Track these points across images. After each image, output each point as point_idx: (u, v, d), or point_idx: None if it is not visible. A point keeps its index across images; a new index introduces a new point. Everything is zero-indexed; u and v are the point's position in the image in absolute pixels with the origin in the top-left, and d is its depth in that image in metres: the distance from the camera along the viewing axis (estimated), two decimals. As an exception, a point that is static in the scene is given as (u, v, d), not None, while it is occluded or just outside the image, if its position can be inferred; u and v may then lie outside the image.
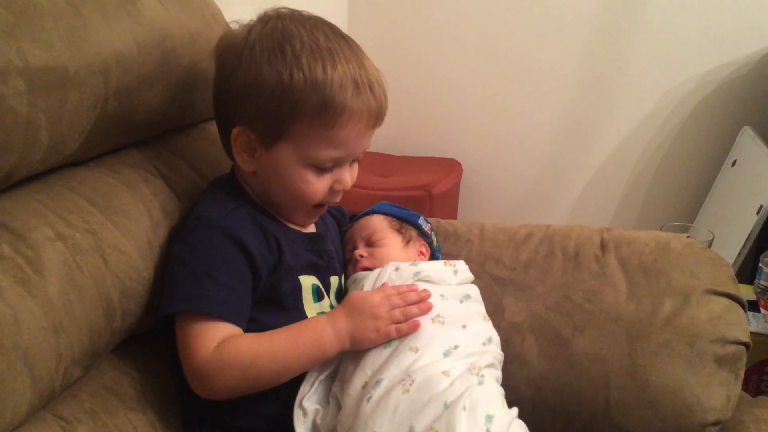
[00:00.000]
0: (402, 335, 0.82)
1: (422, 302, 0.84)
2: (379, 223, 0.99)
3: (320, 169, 0.84)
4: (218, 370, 0.75)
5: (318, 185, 0.84)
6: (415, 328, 0.82)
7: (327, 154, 0.82)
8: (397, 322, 0.82)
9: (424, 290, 0.86)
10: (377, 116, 0.85)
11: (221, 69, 0.85)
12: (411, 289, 0.85)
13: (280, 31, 0.81)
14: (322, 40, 0.81)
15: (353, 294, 0.85)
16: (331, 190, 0.86)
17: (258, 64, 0.80)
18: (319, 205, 0.88)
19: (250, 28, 0.83)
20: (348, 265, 0.98)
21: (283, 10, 0.85)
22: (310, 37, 0.81)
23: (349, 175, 0.87)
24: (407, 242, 0.99)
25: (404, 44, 2.34)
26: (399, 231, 0.99)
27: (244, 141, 0.83)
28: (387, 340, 0.82)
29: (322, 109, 0.79)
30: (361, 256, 0.96)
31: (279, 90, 0.79)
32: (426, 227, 1.02)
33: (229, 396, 0.78)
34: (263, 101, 0.80)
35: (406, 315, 0.83)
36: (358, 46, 0.85)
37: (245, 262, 0.80)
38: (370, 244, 0.97)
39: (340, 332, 0.80)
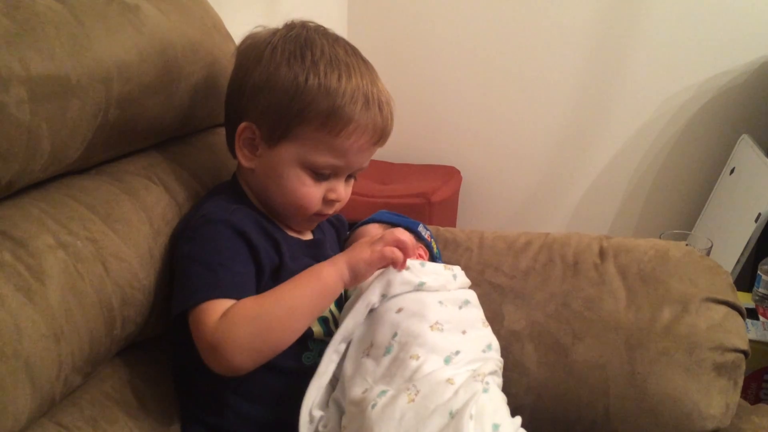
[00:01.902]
0: (396, 260, 0.81)
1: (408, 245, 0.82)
2: (373, 231, 1.00)
3: (317, 175, 0.85)
4: (228, 332, 0.74)
5: (313, 189, 0.86)
6: (404, 264, 0.82)
7: (326, 160, 0.84)
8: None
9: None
10: (381, 135, 0.87)
11: (240, 66, 0.87)
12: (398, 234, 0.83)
13: (304, 38, 0.85)
14: (342, 54, 0.84)
15: None
16: (325, 200, 0.87)
17: (277, 63, 0.83)
18: (316, 214, 0.89)
19: (275, 31, 0.87)
20: None
21: (310, 23, 0.88)
22: (331, 49, 0.84)
23: (343, 188, 0.88)
24: None
25: (404, 52, 2.35)
26: None
27: (249, 137, 0.85)
28: (381, 261, 0.81)
29: (330, 115, 0.81)
30: None
31: (292, 90, 0.81)
32: (426, 234, 1.02)
33: (248, 361, 0.76)
34: (275, 99, 0.82)
35: (398, 242, 0.81)
36: (373, 68, 0.88)
37: (250, 255, 0.81)
38: None
39: (337, 263, 0.81)
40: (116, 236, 0.78)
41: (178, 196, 0.89)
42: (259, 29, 0.89)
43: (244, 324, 0.75)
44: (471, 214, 2.41)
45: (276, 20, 0.89)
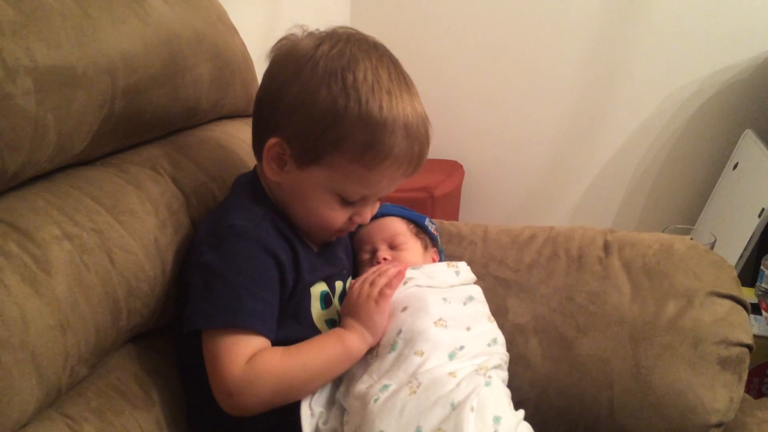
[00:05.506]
0: (395, 288, 0.83)
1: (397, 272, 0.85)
2: (399, 226, 0.99)
3: (346, 202, 0.83)
4: (251, 385, 0.75)
5: (339, 213, 0.84)
6: (402, 275, 0.85)
7: (356, 191, 0.82)
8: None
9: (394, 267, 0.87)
10: (417, 164, 0.84)
11: (277, 74, 0.83)
12: (380, 269, 0.87)
13: (347, 58, 0.79)
14: (385, 79, 0.80)
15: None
16: (350, 221, 0.86)
17: (317, 84, 0.78)
18: (337, 232, 0.88)
19: (318, 44, 0.81)
20: (364, 266, 0.97)
21: (355, 34, 0.83)
22: (375, 72, 0.79)
23: (370, 211, 0.87)
24: (425, 248, 0.99)
25: (406, 47, 2.31)
26: (417, 236, 0.99)
27: (278, 153, 0.82)
28: (388, 303, 0.83)
29: (367, 149, 0.78)
30: (385, 259, 0.95)
31: (330, 116, 0.77)
32: (432, 228, 1.02)
33: (259, 410, 0.77)
34: (311, 123, 0.78)
35: (388, 277, 0.84)
36: (414, 87, 0.84)
37: (277, 274, 0.80)
38: (393, 247, 0.97)
39: (354, 328, 0.81)
40: (122, 228, 0.78)
41: (184, 188, 0.89)
42: (297, 31, 0.84)
43: (268, 380, 0.75)
44: (473, 209, 2.41)
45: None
